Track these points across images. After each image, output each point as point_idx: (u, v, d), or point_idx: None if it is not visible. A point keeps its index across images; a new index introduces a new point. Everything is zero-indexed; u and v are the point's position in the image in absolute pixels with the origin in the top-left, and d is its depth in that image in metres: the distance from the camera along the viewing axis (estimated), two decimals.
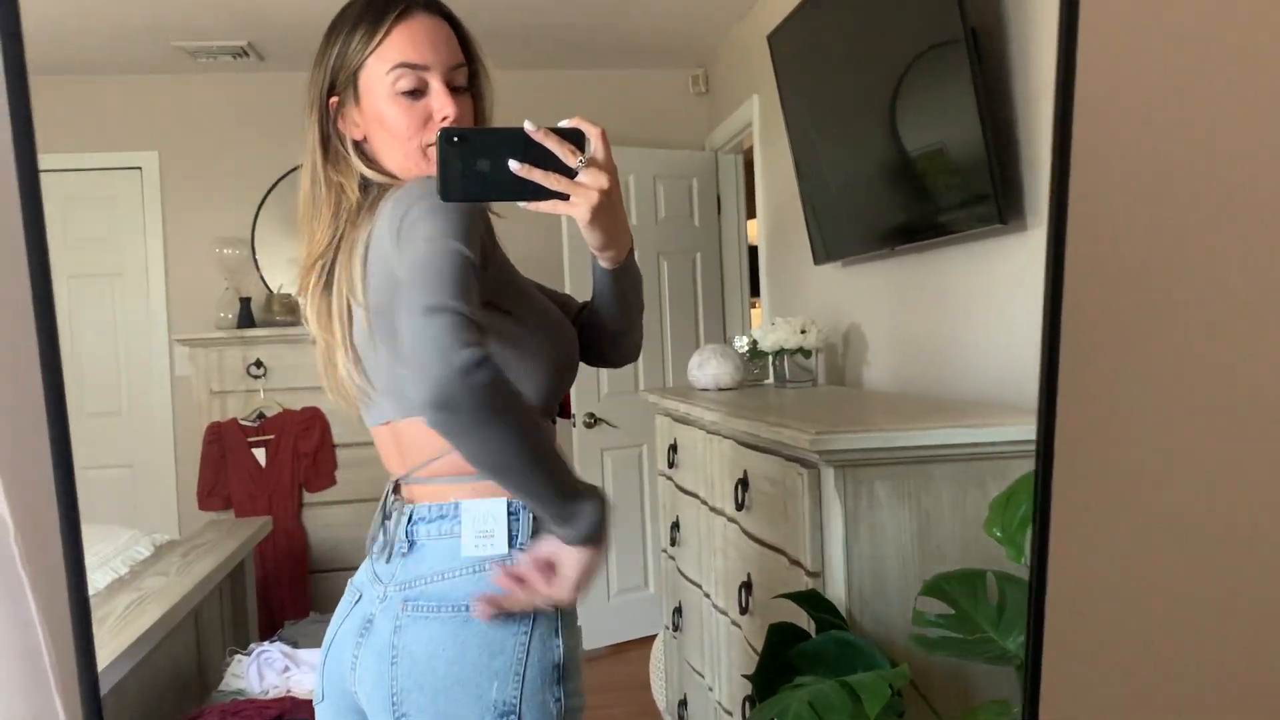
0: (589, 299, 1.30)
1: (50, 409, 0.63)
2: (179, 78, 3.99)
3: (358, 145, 1.18)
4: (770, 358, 2.79)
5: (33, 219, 0.65)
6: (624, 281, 1.25)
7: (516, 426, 1.00)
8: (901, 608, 1.60)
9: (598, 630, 3.76)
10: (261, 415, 3.77)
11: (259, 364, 3.78)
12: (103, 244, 4.05)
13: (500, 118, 1.22)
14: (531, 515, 1.14)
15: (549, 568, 1.09)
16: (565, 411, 3.71)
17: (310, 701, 2.11)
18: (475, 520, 1.13)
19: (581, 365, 1.28)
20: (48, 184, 0.72)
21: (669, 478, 2.71)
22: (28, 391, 0.64)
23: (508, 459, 1.01)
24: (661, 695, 3.07)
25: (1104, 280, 0.76)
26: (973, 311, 2.16)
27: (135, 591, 2.25)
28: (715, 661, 2.33)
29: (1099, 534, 0.79)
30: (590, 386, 3.84)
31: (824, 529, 1.66)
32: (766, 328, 2.77)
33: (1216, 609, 0.81)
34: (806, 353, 2.73)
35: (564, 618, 1.14)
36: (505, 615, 1.10)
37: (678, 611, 2.68)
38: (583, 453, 3.78)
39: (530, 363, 1.15)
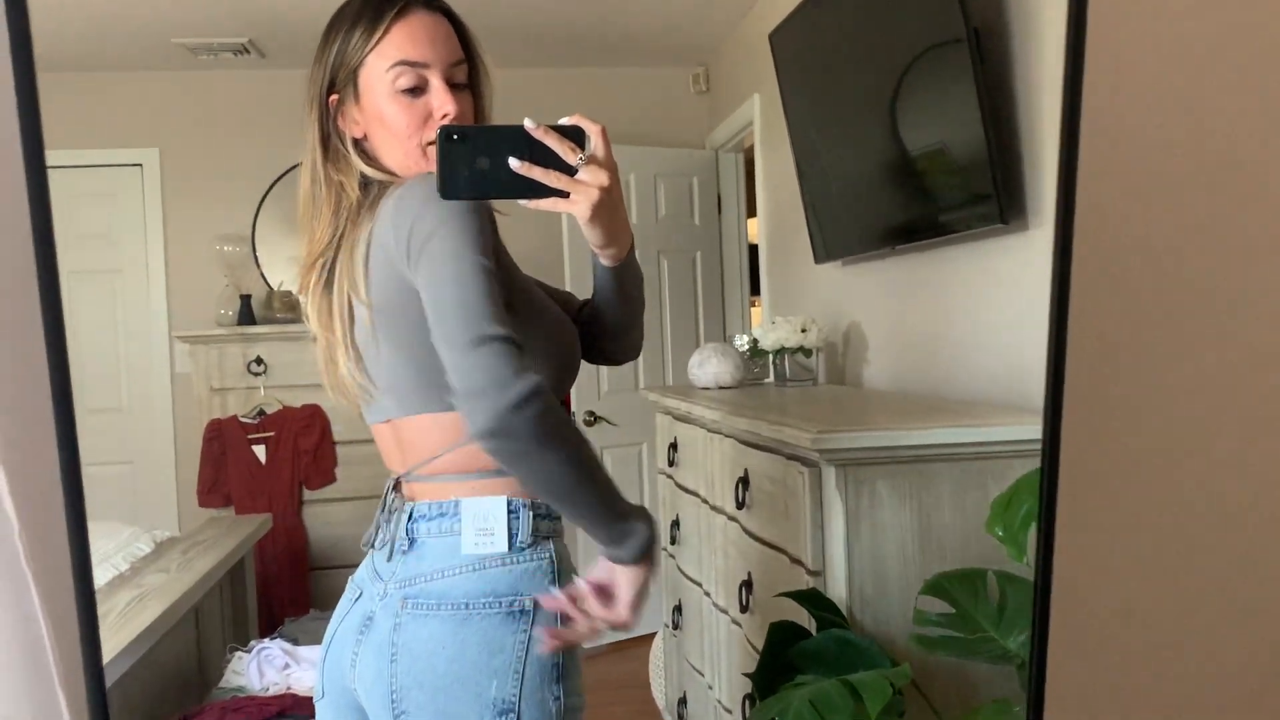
0: (589, 297, 1.30)
1: (57, 406, 0.63)
2: (180, 75, 3.99)
3: (357, 143, 1.18)
4: (771, 356, 2.79)
5: (40, 217, 0.65)
6: (625, 279, 1.25)
7: (572, 451, 1.04)
8: (902, 607, 1.60)
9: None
10: (262, 412, 3.77)
11: (259, 361, 3.78)
12: (103, 241, 4.06)
13: (500, 115, 1.22)
14: (531, 514, 1.14)
15: (605, 593, 1.13)
16: (565, 409, 3.70)
17: (310, 698, 2.12)
18: (475, 518, 1.13)
19: (582, 363, 1.29)
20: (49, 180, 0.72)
21: (669, 476, 2.71)
22: (32, 387, 0.64)
23: (563, 483, 1.05)
24: (661, 694, 3.07)
25: (1110, 278, 0.76)
26: (973, 311, 2.16)
27: (136, 588, 2.25)
28: (715, 660, 2.33)
29: (1104, 532, 0.79)
30: (590, 385, 3.85)
31: (825, 528, 1.66)
32: (767, 326, 2.77)
33: (1223, 608, 0.81)
34: (807, 352, 2.73)
35: (563, 616, 1.14)
36: (506, 614, 1.11)
37: (678, 610, 2.68)
38: None
39: (532, 361, 1.15)
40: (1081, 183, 0.73)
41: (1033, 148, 1.91)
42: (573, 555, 1.23)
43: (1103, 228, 0.75)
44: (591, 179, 1.04)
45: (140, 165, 4.07)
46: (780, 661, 1.56)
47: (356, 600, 1.21)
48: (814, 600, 1.61)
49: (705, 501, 2.35)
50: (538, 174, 1.03)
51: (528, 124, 1.03)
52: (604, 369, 3.78)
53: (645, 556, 1.11)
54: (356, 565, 1.27)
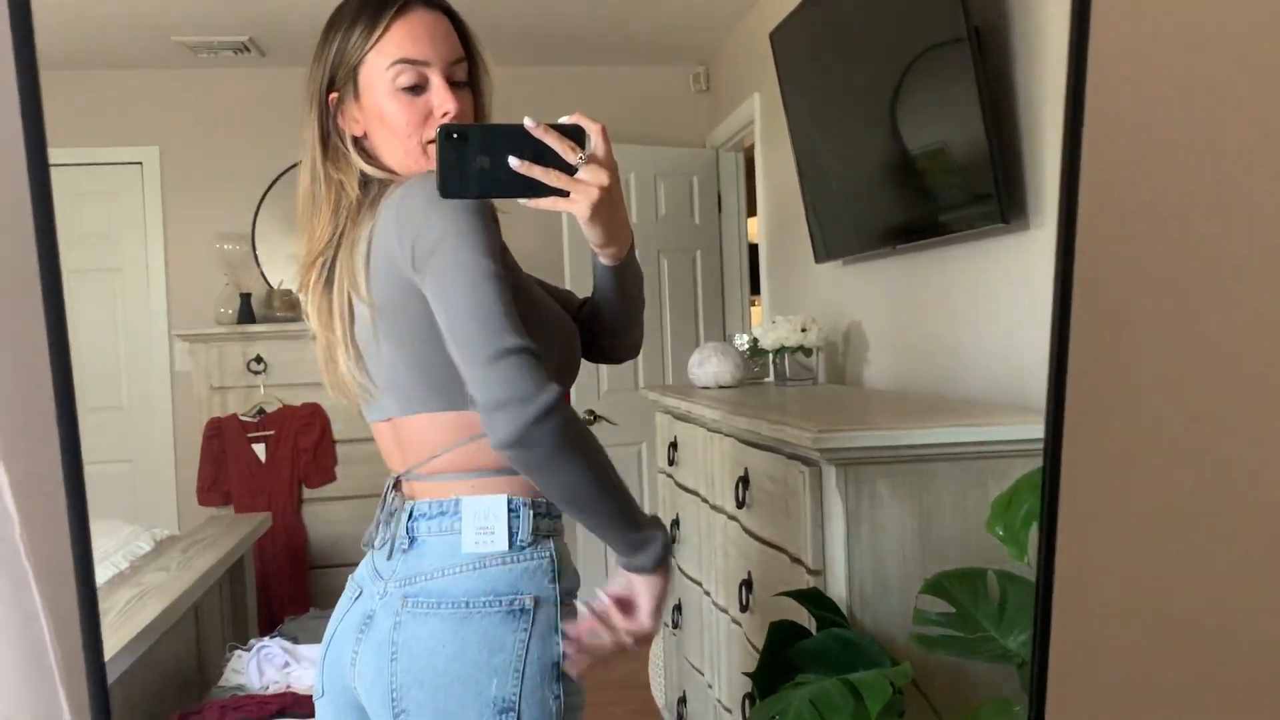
0: (589, 295, 1.30)
1: (59, 404, 0.63)
2: (180, 73, 3.99)
3: (357, 141, 1.18)
4: (771, 356, 2.79)
5: (43, 216, 0.65)
6: (625, 278, 1.24)
7: (593, 461, 1.06)
8: (903, 606, 1.60)
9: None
10: (262, 411, 3.77)
11: (259, 359, 3.78)
12: (103, 239, 4.05)
13: (500, 114, 1.22)
14: (531, 512, 1.14)
15: (626, 605, 1.14)
16: None
17: (310, 697, 2.12)
18: (476, 517, 1.13)
19: (581, 362, 1.29)
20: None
21: (669, 475, 2.71)
22: (34, 385, 0.64)
23: (584, 492, 1.07)
24: (661, 693, 3.07)
25: (1113, 277, 0.76)
26: (974, 311, 2.16)
27: (136, 587, 2.25)
28: (715, 659, 2.33)
29: (1106, 532, 0.79)
30: (590, 384, 3.84)
31: (825, 527, 1.66)
32: (767, 326, 2.77)
33: (1224, 608, 0.81)
34: (807, 351, 2.73)
35: (564, 615, 1.15)
36: (506, 612, 1.11)
37: (677, 609, 2.68)
38: None
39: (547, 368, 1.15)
40: (1084, 182, 0.73)
41: (1033, 147, 1.91)
42: (572, 555, 1.23)
43: (1105, 227, 0.75)
44: (591, 178, 1.04)
45: (140, 164, 4.07)
46: (780, 661, 1.56)
47: (356, 599, 1.21)
48: (814, 599, 1.61)
49: (705, 501, 2.35)
50: (538, 173, 1.03)
51: (528, 123, 1.03)
52: (604, 368, 3.78)
53: (663, 564, 1.14)
54: (356, 564, 1.27)
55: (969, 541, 1.61)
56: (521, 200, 1.05)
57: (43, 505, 0.67)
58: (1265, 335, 0.81)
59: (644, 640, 1.17)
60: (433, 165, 1.04)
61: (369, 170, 1.16)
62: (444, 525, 1.14)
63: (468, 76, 1.18)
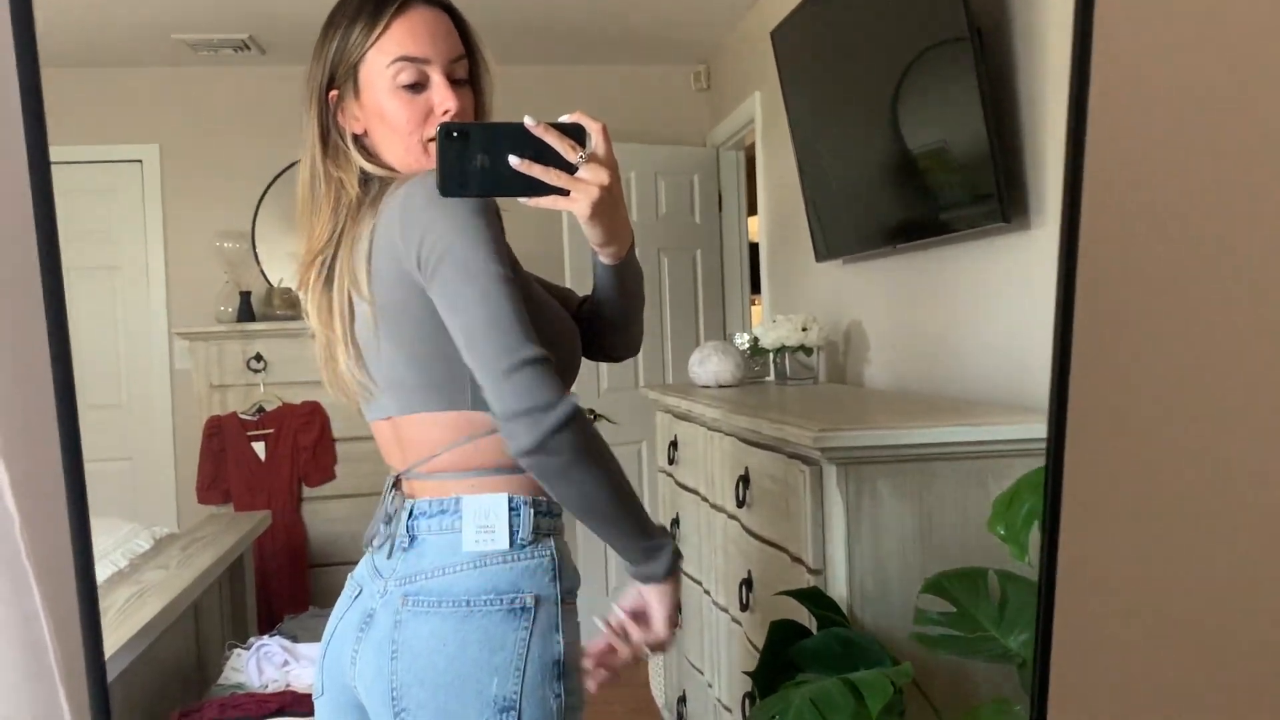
0: (589, 293, 1.30)
1: (59, 402, 0.63)
2: (180, 71, 3.99)
3: (357, 139, 1.18)
4: (771, 355, 2.79)
5: (44, 214, 0.65)
6: (625, 277, 1.24)
7: (608, 470, 1.07)
8: (903, 606, 1.60)
9: (596, 626, 3.75)
10: (261, 409, 3.77)
11: (259, 358, 3.78)
12: (103, 237, 4.05)
13: (501, 112, 1.22)
14: (532, 511, 1.14)
15: (640, 616, 1.17)
16: None
17: (310, 696, 2.11)
18: (476, 515, 1.13)
19: (581, 360, 1.28)
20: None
21: (669, 474, 2.70)
22: (35, 384, 0.64)
23: (599, 500, 1.08)
24: (660, 692, 3.07)
25: (1115, 276, 0.76)
26: (975, 310, 2.16)
27: (135, 585, 2.25)
28: (715, 658, 2.33)
29: (1108, 531, 0.79)
30: (590, 382, 3.84)
31: (825, 526, 1.66)
32: (768, 325, 2.77)
33: (1227, 608, 0.81)
34: (808, 350, 2.73)
35: (564, 613, 1.14)
36: (507, 611, 1.11)
37: (677, 608, 2.68)
38: None
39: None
40: (1087, 181, 0.73)
41: (1035, 146, 1.91)
42: (572, 554, 1.23)
43: (1108, 226, 0.75)
44: (592, 177, 1.04)
45: (140, 161, 4.06)
46: (781, 660, 1.56)
47: (356, 597, 1.21)
48: (814, 599, 1.61)
49: (705, 500, 2.35)
50: (538, 172, 1.02)
51: (528, 121, 1.03)
52: (604, 366, 3.78)
53: (674, 572, 1.15)
54: (356, 562, 1.26)
55: (969, 541, 1.61)
56: (521, 199, 1.04)
57: (43, 504, 0.67)
58: (1267, 335, 0.81)
59: (659, 649, 1.19)
60: (433, 163, 1.04)
61: (369, 168, 1.16)
62: (444, 524, 1.14)
63: (468, 74, 1.18)
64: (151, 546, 2.72)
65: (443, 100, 1.13)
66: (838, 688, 1.34)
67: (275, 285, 4.02)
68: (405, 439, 1.18)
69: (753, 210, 3.98)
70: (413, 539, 1.15)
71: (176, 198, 4.08)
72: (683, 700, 2.69)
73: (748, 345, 2.81)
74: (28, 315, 0.65)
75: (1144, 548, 0.79)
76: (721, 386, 2.65)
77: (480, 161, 1.01)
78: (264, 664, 2.36)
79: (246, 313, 3.93)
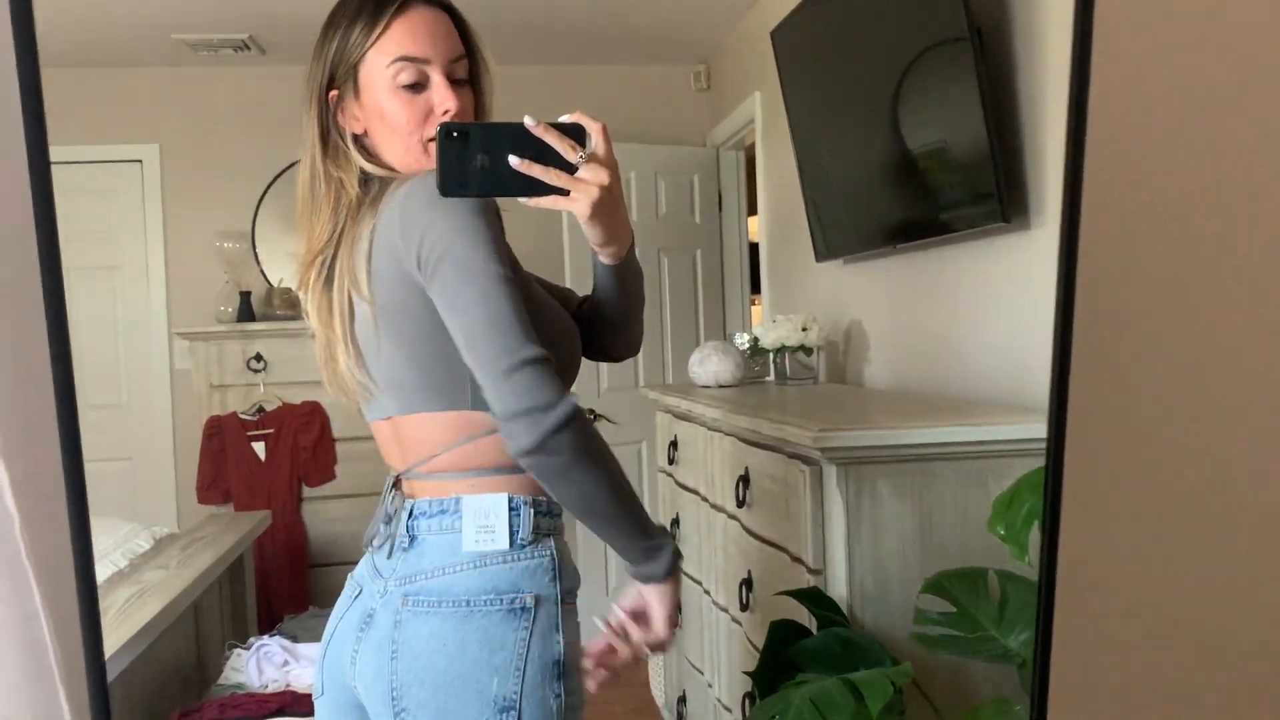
0: (589, 293, 1.30)
1: (59, 401, 0.63)
2: (180, 71, 3.99)
3: (357, 139, 1.18)
4: (771, 355, 2.79)
5: (44, 214, 0.65)
6: (625, 277, 1.24)
7: (608, 469, 1.08)
8: (903, 605, 1.60)
9: (596, 626, 3.75)
10: (261, 409, 3.77)
11: (259, 358, 3.78)
12: (103, 237, 4.05)
13: (501, 112, 1.22)
14: (532, 511, 1.14)
15: (640, 617, 1.17)
16: None
17: (310, 696, 2.11)
18: (476, 515, 1.13)
19: (582, 361, 1.28)
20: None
21: (669, 474, 2.70)
22: (35, 384, 0.64)
23: (600, 500, 1.08)
24: (660, 692, 3.07)
25: (1116, 275, 0.76)
26: (975, 310, 2.16)
27: (135, 585, 2.25)
28: (715, 658, 2.33)
29: (1109, 531, 0.79)
30: (590, 382, 3.84)
31: (825, 526, 1.66)
32: (768, 325, 2.77)
33: (1228, 608, 0.81)
34: (808, 350, 2.73)
35: (564, 613, 1.14)
36: (507, 611, 1.11)
37: (677, 608, 2.68)
38: None
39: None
40: (1087, 181, 0.73)
41: (1035, 146, 1.91)
42: (572, 554, 1.23)
43: (1108, 226, 0.75)
44: (592, 177, 1.04)
45: (140, 161, 4.06)
46: (781, 660, 1.56)
47: (356, 597, 1.21)
48: (814, 599, 1.61)
49: (705, 500, 2.35)
50: (538, 172, 1.02)
51: (528, 121, 1.03)
52: (604, 366, 3.78)
53: (674, 572, 1.15)
54: (356, 562, 1.26)
55: (969, 541, 1.61)
56: (521, 199, 1.04)
57: (43, 504, 0.67)
58: (1267, 335, 0.81)
59: (660, 649, 1.19)
60: (433, 163, 1.04)
61: (369, 168, 1.16)
62: (444, 524, 1.14)
63: (468, 74, 1.18)
64: (151, 546, 2.72)
65: (443, 100, 1.13)
66: (838, 688, 1.34)
67: (275, 285, 4.02)
68: (405, 439, 1.18)
69: (753, 210, 3.98)
70: (413, 539, 1.15)
71: (176, 198, 4.08)
72: (683, 700, 2.69)
73: (748, 345, 2.81)
74: (28, 315, 0.65)
75: (1144, 547, 0.79)
76: (721, 386, 2.65)
77: (480, 161, 1.01)
78: (264, 664, 2.36)
79: (246, 313, 3.93)
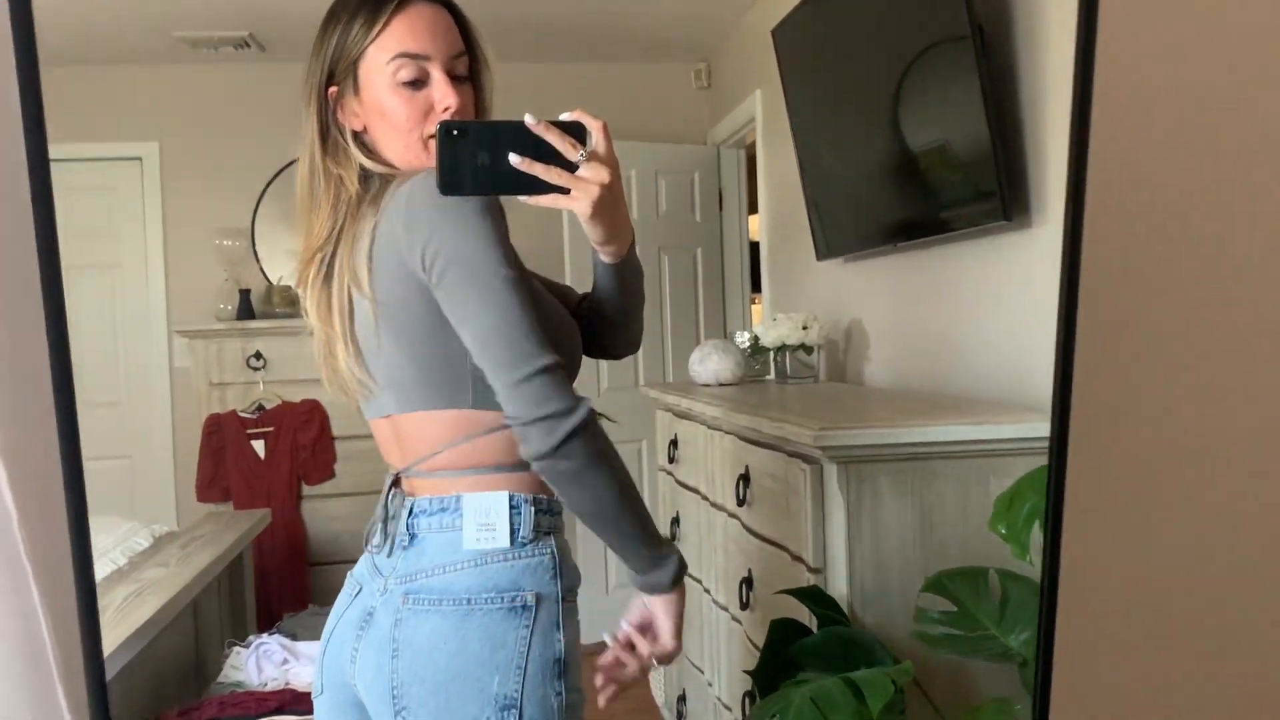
0: (589, 291, 1.30)
1: (58, 399, 0.63)
2: (180, 68, 3.98)
3: (357, 136, 1.17)
4: (772, 353, 2.78)
5: (43, 211, 0.64)
6: (625, 275, 1.24)
7: (618, 475, 1.08)
8: (903, 604, 1.60)
9: (596, 624, 3.74)
10: (261, 407, 3.77)
11: (258, 356, 3.78)
12: (102, 235, 4.04)
13: (502, 110, 1.21)
14: (533, 509, 1.14)
15: (646, 629, 1.17)
16: None
17: (309, 694, 2.11)
18: (477, 513, 1.13)
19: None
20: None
21: (669, 473, 2.70)
22: (33, 381, 0.63)
23: (610, 505, 1.09)
24: (660, 690, 3.07)
25: (1118, 274, 0.76)
26: (976, 308, 2.15)
27: (134, 583, 2.25)
28: (715, 657, 2.33)
29: (1111, 530, 0.78)
30: (590, 381, 3.84)
31: (826, 525, 1.66)
32: (768, 323, 2.76)
33: (1230, 607, 0.81)
34: (808, 349, 2.73)
35: (565, 612, 1.14)
36: (508, 609, 1.10)
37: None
38: None
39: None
40: (1089, 180, 0.73)
41: (1036, 145, 1.90)
42: (572, 553, 1.22)
43: (1110, 225, 0.75)
44: (592, 175, 1.03)
45: (140, 159, 4.06)
46: (781, 659, 1.56)
47: (356, 596, 1.21)
48: (815, 597, 1.61)
49: (705, 498, 2.35)
50: (538, 170, 1.02)
51: (528, 119, 1.02)
52: (604, 365, 3.77)
53: (680, 582, 1.15)
54: (355, 561, 1.26)
55: (970, 540, 1.61)
56: (522, 198, 1.04)
57: (42, 502, 0.66)
58: (1269, 333, 0.80)
59: (666, 660, 1.19)
60: (433, 160, 1.04)
61: (369, 165, 1.16)
62: (444, 522, 1.14)
63: (468, 71, 1.18)
64: (151, 544, 2.72)
65: (443, 97, 1.13)
66: (838, 686, 1.34)
67: (275, 283, 4.02)
68: (405, 437, 1.18)
69: (753, 209, 3.98)
70: (413, 537, 1.15)
71: (176, 195, 4.07)
72: (683, 699, 2.68)
73: (748, 344, 2.81)
74: (27, 313, 0.64)
75: (1146, 546, 0.78)
76: (722, 385, 2.65)
77: (480, 160, 1.01)
78: (263, 662, 2.36)
79: (246, 310, 3.92)
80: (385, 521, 1.19)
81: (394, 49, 1.12)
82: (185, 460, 3.86)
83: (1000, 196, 1.90)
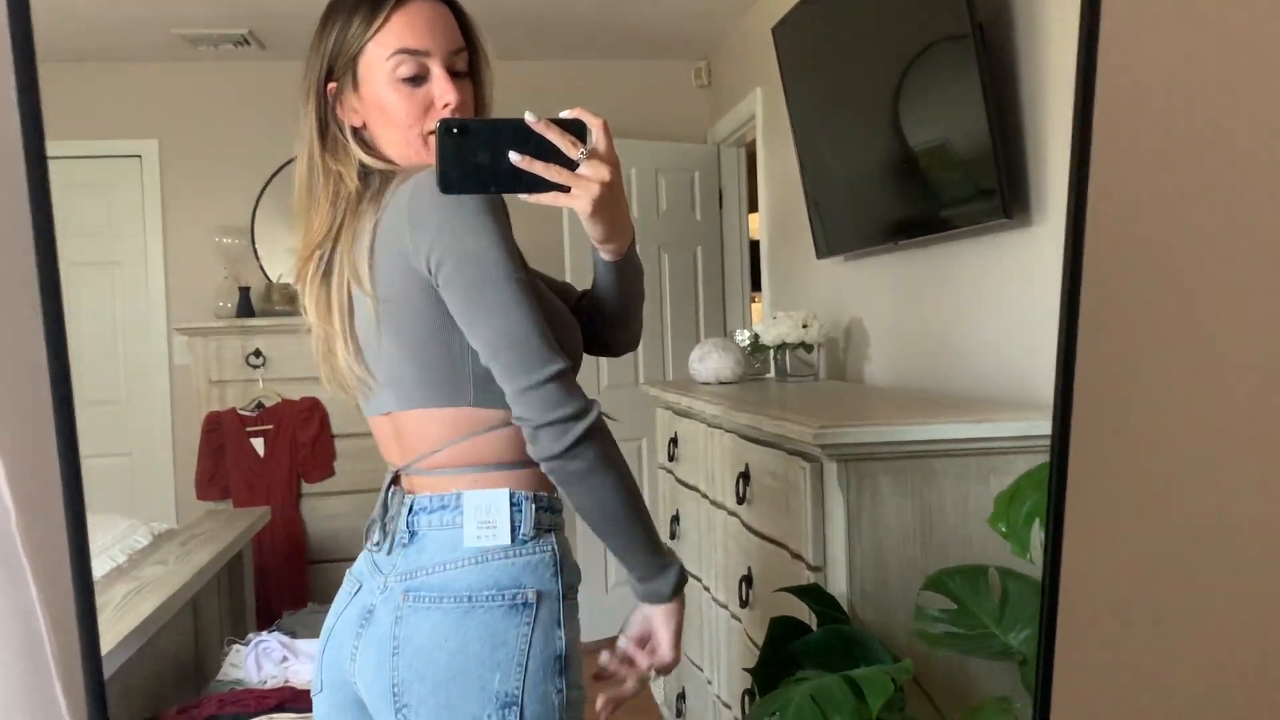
0: (588, 287, 1.29)
1: (56, 397, 0.62)
2: (179, 65, 3.98)
3: (356, 132, 1.17)
4: (772, 352, 2.78)
5: (40, 208, 0.64)
6: (625, 273, 1.24)
7: (622, 477, 1.09)
8: (903, 603, 1.60)
9: (596, 622, 3.72)
10: (260, 405, 3.77)
11: (258, 354, 3.78)
12: (102, 232, 4.04)
13: (502, 108, 1.21)
14: (534, 506, 1.14)
15: (645, 641, 1.18)
16: None
17: (308, 692, 2.11)
18: (478, 510, 1.12)
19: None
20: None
21: (669, 471, 2.70)
22: (32, 379, 0.63)
23: (616, 508, 1.10)
24: (660, 689, 3.07)
25: (1120, 274, 0.76)
26: (976, 307, 2.15)
27: (133, 580, 2.25)
28: (715, 655, 2.33)
29: (1111, 529, 0.78)
30: (590, 379, 3.83)
31: (826, 523, 1.66)
32: (768, 321, 2.76)
33: (1230, 606, 0.81)
34: (808, 347, 2.73)
35: (566, 608, 1.14)
36: (509, 606, 1.10)
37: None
38: None
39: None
40: (1092, 178, 0.73)
41: (1037, 143, 1.90)
42: (572, 550, 1.22)
43: (1112, 224, 0.75)
44: (593, 174, 1.03)
45: (139, 156, 4.05)
46: (781, 657, 1.56)
47: (355, 593, 1.21)
48: (814, 595, 1.61)
49: (705, 497, 2.34)
50: (538, 168, 1.02)
51: (529, 117, 1.02)
52: (604, 363, 3.77)
53: (680, 592, 1.16)
54: (355, 558, 1.26)
55: (970, 538, 1.61)
56: (522, 196, 1.04)
57: (40, 499, 0.66)
58: (1270, 331, 0.80)
59: (666, 671, 1.19)
60: (433, 157, 1.03)
61: (368, 161, 1.15)
62: (445, 519, 1.13)
63: (468, 66, 1.17)
64: (150, 542, 2.71)
65: (443, 93, 1.12)
66: (838, 684, 1.34)
67: (274, 280, 4.01)
68: (404, 434, 1.17)
69: (753, 207, 3.98)
70: (413, 534, 1.15)
71: (176, 193, 4.07)
72: (682, 697, 2.68)
73: (748, 342, 2.81)
74: (25, 311, 0.64)
75: (1147, 545, 0.78)
76: (722, 383, 2.65)
77: (480, 158, 1.01)
78: (262, 660, 2.36)
79: (246, 308, 3.92)
80: (384, 519, 1.19)
81: (393, 45, 1.12)
82: (185, 458, 3.85)
83: (1000, 194, 1.90)
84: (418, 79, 1.12)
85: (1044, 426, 0.81)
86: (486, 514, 1.12)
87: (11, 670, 0.67)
